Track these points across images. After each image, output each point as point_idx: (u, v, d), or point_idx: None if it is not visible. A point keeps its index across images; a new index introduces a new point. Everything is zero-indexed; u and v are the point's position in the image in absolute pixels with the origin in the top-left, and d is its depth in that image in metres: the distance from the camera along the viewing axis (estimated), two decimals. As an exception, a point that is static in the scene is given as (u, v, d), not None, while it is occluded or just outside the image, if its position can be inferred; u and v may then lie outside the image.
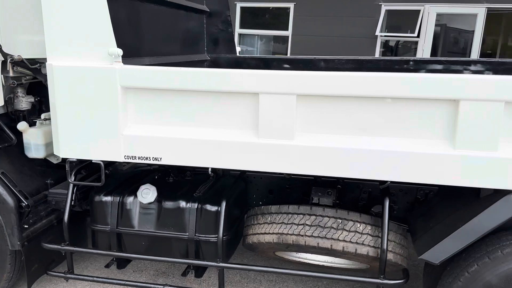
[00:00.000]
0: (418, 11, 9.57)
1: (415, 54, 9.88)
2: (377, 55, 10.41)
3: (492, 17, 9.39)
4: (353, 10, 10.44)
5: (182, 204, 2.64)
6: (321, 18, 11.03)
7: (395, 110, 1.90)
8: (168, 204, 2.69)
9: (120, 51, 2.20)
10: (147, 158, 2.27)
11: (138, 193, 2.66)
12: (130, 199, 2.71)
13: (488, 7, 8.81)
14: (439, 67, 3.96)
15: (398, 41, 10.74)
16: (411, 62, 4.03)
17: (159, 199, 2.68)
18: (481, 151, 1.80)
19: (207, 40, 4.48)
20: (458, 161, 1.84)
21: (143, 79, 2.22)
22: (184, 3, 3.79)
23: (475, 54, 9.09)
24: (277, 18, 12.59)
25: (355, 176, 2.04)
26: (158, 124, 2.27)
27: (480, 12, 8.88)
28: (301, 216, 2.47)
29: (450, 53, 10.66)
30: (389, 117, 1.91)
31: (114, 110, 2.22)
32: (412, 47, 10.20)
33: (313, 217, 2.44)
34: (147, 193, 2.63)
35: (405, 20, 10.20)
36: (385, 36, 10.19)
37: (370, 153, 1.95)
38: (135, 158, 2.29)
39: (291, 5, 11.76)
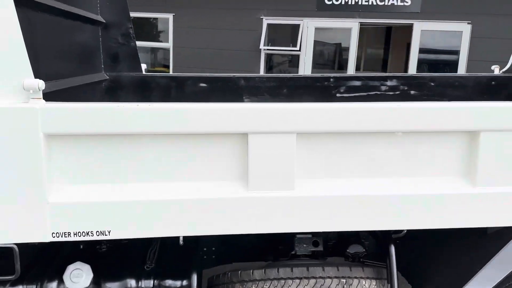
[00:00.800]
0: (298, 25, 9.91)
1: (297, 67, 10.21)
2: (262, 68, 10.50)
3: (364, 31, 10.21)
4: (235, 23, 10.38)
5: (132, 284, 1.98)
6: (203, 30, 10.73)
7: (410, 145, 1.66)
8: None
9: (41, 83, 1.52)
10: (88, 234, 1.59)
11: (65, 276, 1.92)
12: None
13: (361, 22, 9.52)
14: (358, 83, 3.94)
15: (281, 55, 11.00)
16: (331, 79, 3.95)
17: (96, 280, 1.97)
18: (505, 187, 1.66)
19: (104, 57, 3.78)
20: (479, 200, 1.68)
21: (79, 121, 1.56)
22: (68, 8, 3.00)
23: (351, 66, 9.75)
24: (157, 29, 11.91)
25: (373, 228, 1.74)
26: (103, 182, 1.62)
27: (354, 26, 9.55)
28: (297, 281, 2.01)
29: (325, 65, 11.30)
30: (405, 154, 1.67)
31: (35, 168, 1.52)
32: (294, 60, 10.53)
33: (312, 281, 2.01)
34: (79, 276, 1.91)
35: (287, 34, 10.50)
36: (268, 49, 10.33)
37: (389, 199, 1.66)
38: (68, 235, 1.60)
39: (170, 16, 11.22)
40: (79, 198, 1.59)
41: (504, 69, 4.08)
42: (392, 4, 9.30)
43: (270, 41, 10.28)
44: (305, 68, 9.95)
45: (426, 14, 9.03)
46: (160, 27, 11.70)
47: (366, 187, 1.68)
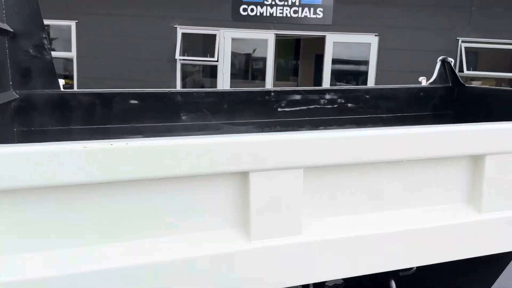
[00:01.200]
0: (215, 35, 9.73)
1: (215, 78, 10.01)
2: (178, 79, 10.11)
3: (280, 42, 10.35)
4: (147, 31, 9.87)
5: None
6: (111, 38, 10.03)
7: (415, 173, 1.52)
8: None
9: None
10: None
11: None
12: None
13: (276, 33, 9.63)
14: (298, 97, 3.85)
15: (198, 65, 10.71)
16: (272, 93, 3.80)
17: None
18: (510, 211, 1.60)
19: (12, 72, 3.21)
20: (485, 226, 1.60)
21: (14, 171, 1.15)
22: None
23: (269, 77, 9.81)
24: (59, 38, 10.87)
25: (388, 269, 1.56)
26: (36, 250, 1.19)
27: (270, 37, 9.63)
28: None
29: (243, 76, 11.28)
30: (410, 183, 1.52)
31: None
32: (212, 71, 10.31)
33: None
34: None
35: (203, 44, 10.24)
36: (184, 60, 9.98)
37: (401, 235, 1.49)
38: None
39: (72, 23, 10.32)
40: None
41: (430, 80, 4.30)
42: (306, 16, 9.56)
43: (186, 51, 9.94)
44: (224, 79, 9.79)
45: (337, 26, 9.44)
46: (61, 35, 10.69)
47: (376, 224, 1.52)
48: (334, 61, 9.67)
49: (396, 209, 1.52)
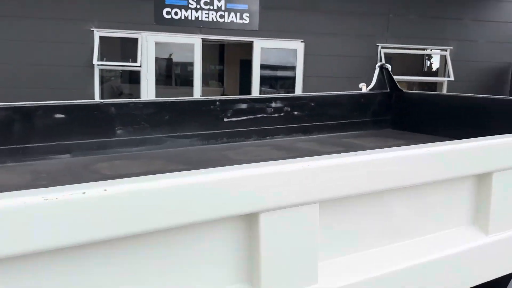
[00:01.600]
0: (136, 39, 9.18)
1: (139, 84, 9.44)
2: (96, 85, 9.38)
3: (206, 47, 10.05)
4: (61, 35, 9.03)
5: None
6: (18, 42, 9.02)
7: (423, 196, 1.35)
8: None
9: None
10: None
11: None
12: None
13: (203, 38, 9.34)
14: (244, 106, 3.64)
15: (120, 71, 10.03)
16: (217, 103, 3.55)
17: None
18: None
19: None
20: (493, 248, 1.48)
21: None
22: None
23: (197, 83, 9.47)
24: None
25: None
26: None
27: (196, 42, 9.31)
28: None
29: (169, 82, 10.85)
30: (419, 209, 1.34)
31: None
32: (136, 76, 9.71)
33: None
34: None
35: (124, 48, 9.62)
36: (103, 65, 9.28)
37: (417, 268, 1.31)
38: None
39: (-30, 25, 9.14)
40: None
41: (370, 87, 4.33)
42: (232, 21, 9.40)
43: (105, 56, 9.25)
44: (148, 85, 9.27)
45: (264, 32, 9.40)
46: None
47: (393, 258, 1.33)
48: (262, 67, 9.62)
49: (409, 239, 1.36)
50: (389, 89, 4.40)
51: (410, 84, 12.02)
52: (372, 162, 1.17)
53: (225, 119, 3.54)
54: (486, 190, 1.48)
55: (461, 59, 9.96)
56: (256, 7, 9.40)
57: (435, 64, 13.59)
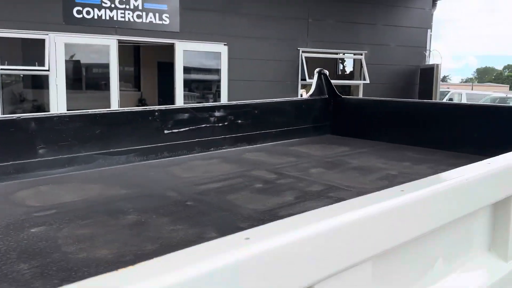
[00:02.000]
0: (43, 40, 8.27)
1: (48, 90, 8.52)
2: (-4, 92, 8.29)
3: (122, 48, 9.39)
4: (-51, 33, 7.84)
5: None
6: None
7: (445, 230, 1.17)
8: None
9: None
10: None
11: None
12: None
13: (119, 39, 8.70)
14: (186, 115, 3.33)
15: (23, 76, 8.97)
16: (156, 113, 3.19)
17: None
18: None
19: None
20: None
21: None
22: None
23: (114, 86, 8.80)
24: None
25: None
26: None
27: (112, 44, 8.65)
28: None
29: (80, 86, 10.01)
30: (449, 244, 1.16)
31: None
32: (42, 81, 8.75)
33: None
34: None
35: (29, 51, 8.62)
36: (4, 69, 8.22)
37: None
38: None
39: None
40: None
41: (310, 93, 4.26)
42: (151, 22, 8.89)
43: (6, 59, 8.19)
44: (58, 90, 8.40)
45: (186, 34, 9.04)
46: None
47: None
48: (186, 70, 9.24)
49: (441, 279, 1.20)
50: (328, 95, 4.37)
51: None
52: (428, 197, 1.00)
53: (166, 131, 3.20)
54: (507, 216, 1.36)
55: (375, 63, 10.52)
56: (176, 7, 9.00)
57: (349, 67, 14.27)
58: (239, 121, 3.64)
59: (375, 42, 10.50)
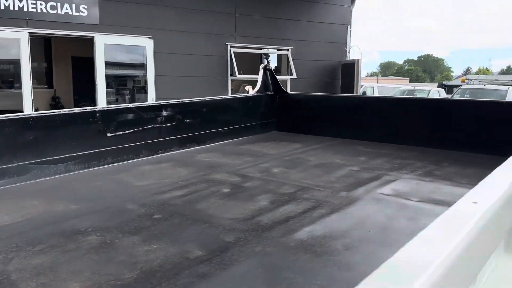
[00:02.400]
0: None
1: None
2: None
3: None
4: None
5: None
6: None
7: None
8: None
9: None
10: None
11: None
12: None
13: (31, 32, 7.84)
14: (130, 116, 3.03)
15: None
16: (97, 114, 2.86)
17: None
18: None
19: None
20: None
21: None
22: None
23: (27, 83, 7.92)
24: None
25: None
26: None
27: (23, 37, 7.77)
28: None
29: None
30: None
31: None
32: None
33: None
34: None
35: None
36: None
37: None
38: None
39: None
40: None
41: (256, 89, 4.14)
42: (67, 13, 8.14)
43: None
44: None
45: (107, 27, 8.41)
46: None
47: None
48: (108, 65, 8.60)
49: None
50: (273, 91, 4.29)
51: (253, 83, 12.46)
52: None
53: (109, 134, 2.89)
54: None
55: (300, 58, 10.73)
56: (94, -2, 8.33)
57: (273, 63, 14.41)
58: (187, 120, 3.42)
59: (300, 38, 10.70)
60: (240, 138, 3.85)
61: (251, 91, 4.08)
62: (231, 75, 9.87)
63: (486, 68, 64.58)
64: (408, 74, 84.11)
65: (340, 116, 4.01)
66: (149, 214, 1.93)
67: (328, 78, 11.40)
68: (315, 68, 11.10)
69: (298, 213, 1.91)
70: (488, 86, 18.31)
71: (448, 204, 1.99)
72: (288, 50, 10.67)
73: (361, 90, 23.26)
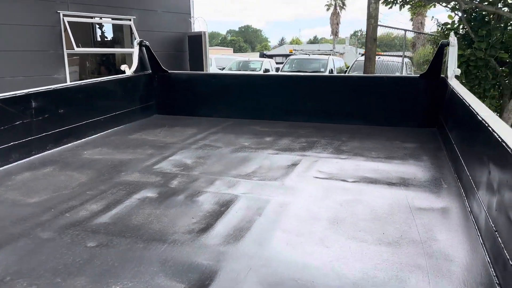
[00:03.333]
0: None
1: None
2: None
3: None
4: None
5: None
6: None
7: None
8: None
9: None
10: None
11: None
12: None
13: None
14: None
15: None
16: None
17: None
18: None
19: None
20: None
21: None
22: None
23: None
24: None
25: None
26: None
27: None
28: None
29: None
30: None
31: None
32: None
33: None
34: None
35: None
36: None
37: None
38: None
39: None
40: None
41: (133, 68, 3.64)
42: None
43: None
44: None
45: None
46: None
47: None
48: None
49: None
50: (151, 70, 3.86)
51: (94, 57, 11.20)
52: None
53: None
54: None
55: (145, 29, 10.01)
56: None
57: (108, 33, 13.17)
58: (61, 110, 2.81)
59: (142, 7, 9.94)
60: (123, 126, 3.38)
61: (127, 70, 3.58)
62: (68, 48, 8.65)
63: (298, 38, 71.55)
64: (232, 44, 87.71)
65: (227, 96, 3.86)
66: (79, 242, 1.50)
67: (175, 50, 10.99)
68: (161, 40, 10.54)
69: (254, 213, 1.73)
70: (312, 56, 20.35)
71: (385, 182, 2.07)
72: (130, 20, 9.84)
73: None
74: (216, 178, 2.18)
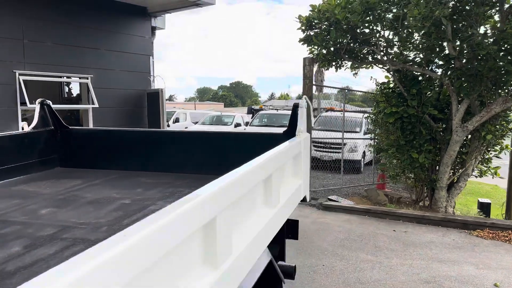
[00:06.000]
0: None
1: None
2: None
3: None
4: None
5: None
6: None
7: None
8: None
9: None
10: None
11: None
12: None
13: None
14: None
15: None
16: None
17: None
18: None
19: None
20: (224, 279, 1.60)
21: None
22: None
23: None
24: None
25: None
26: None
27: None
28: None
29: None
30: None
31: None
32: None
33: None
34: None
35: None
36: None
37: None
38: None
39: None
40: None
41: (33, 125, 3.95)
42: None
43: None
44: None
45: None
46: None
47: None
48: None
49: None
50: (53, 126, 4.17)
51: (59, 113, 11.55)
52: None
53: None
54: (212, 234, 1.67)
55: (102, 87, 10.49)
56: None
57: (76, 91, 13.68)
58: None
59: (100, 66, 10.48)
60: (15, 179, 3.62)
61: (26, 127, 3.88)
62: (23, 103, 9.01)
63: (287, 93, 73.79)
64: (223, 99, 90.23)
65: (124, 149, 4.16)
66: None
67: (134, 106, 11.43)
68: (119, 97, 11.00)
69: (49, 255, 1.97)
70: (280, 111, 21.07)
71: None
72: (87, 78, 10.32)
73: (173, 117, 23.93)
74: (51, 224, 2.42)
